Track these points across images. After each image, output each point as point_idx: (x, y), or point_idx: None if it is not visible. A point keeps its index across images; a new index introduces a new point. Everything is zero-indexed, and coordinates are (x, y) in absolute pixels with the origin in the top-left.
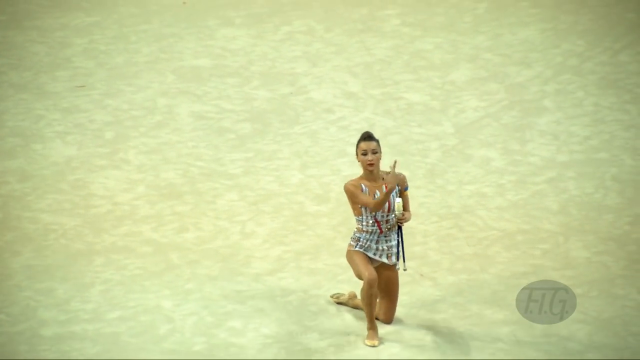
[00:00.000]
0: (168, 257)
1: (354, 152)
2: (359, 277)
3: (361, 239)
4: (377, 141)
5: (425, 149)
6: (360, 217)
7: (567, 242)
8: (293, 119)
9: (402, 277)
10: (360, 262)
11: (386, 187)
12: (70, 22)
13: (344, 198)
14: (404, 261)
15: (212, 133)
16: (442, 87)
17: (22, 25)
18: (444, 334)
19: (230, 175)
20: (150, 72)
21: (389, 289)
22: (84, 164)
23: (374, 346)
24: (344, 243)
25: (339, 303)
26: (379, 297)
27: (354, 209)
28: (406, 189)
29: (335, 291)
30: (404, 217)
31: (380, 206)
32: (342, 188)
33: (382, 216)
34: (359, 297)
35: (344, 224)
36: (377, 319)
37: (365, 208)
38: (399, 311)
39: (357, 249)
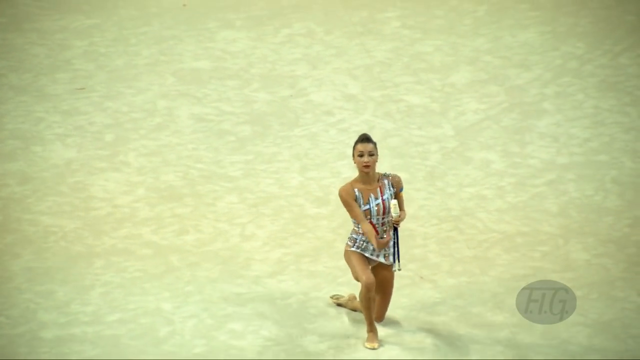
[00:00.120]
0: (168, 260)
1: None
2: (357, 279)
3: (358, 240)
4: (374, 143)
5: (425, 152)
6: (356, 219)
7: (567, 244)
8: (293, 121)
9: (402, 280)
10: (358, 265)
11: (376, 239)
12: (70, 24)
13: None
14: (398, 261)
15: (212, 135)
16: (442, 90)
17: (22, 27)
18: (443, 337)
19: (230, 177)
20: (150, 74)
21: (384, 287)
22: (84, 167)
23: (373, 349)
24: (343, 245)
25: (338, 304)
26: None
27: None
28: (401, 190)
29: (334, 293)
30: (399, 219)
31: (368, 235)
32: None
33: (378, 219)
34: (357, 299)
35: (343, 226)
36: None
37: (362, 212)
38: (399, 313)
39: (354, 249)
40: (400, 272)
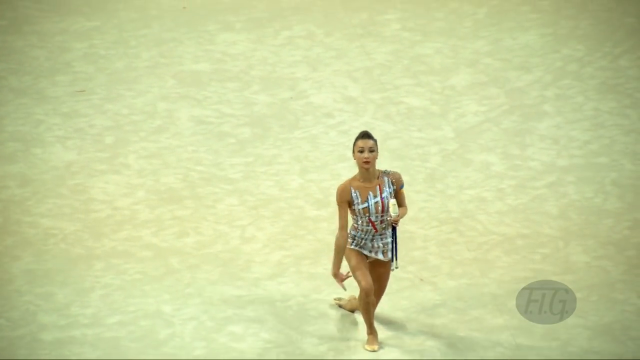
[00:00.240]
0: (168, 262)
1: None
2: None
3: (357, 237)
4: (375, 140)
5: (425, 154)
6: (355, 217)
7: (567, 246)
8: (293, 123)
9: (402, 282)
10: (357, 268)
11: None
12: (70, 26)
13: None
14: (396, 259)
15: (212, 137)
16: (442, 92)
17: (22, 30)
18: (443, 339)
19: (230, 179)
20: (150, 76)
21: (380, 282)
22: (84, 169)
23: (373, 351)
24: None
25: (339, 305)
26: None
27: (350, 209)
28: (402, 187)
29: (335, 295)
30: (397, 218)
31: (335, 253)
32: None
33: (377, 217)
34: (357, 299)
35: None
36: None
37: (359, 210)
38: (399, 316)
39: (352, 247)
40: (400, 274)
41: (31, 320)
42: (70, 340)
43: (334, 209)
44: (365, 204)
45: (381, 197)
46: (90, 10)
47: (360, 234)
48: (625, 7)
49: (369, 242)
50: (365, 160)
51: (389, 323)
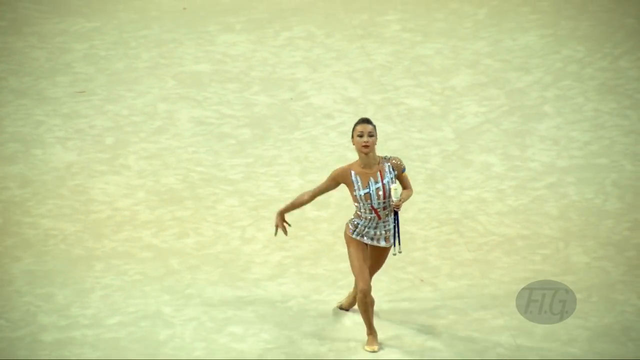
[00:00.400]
0: (168, 263)
1: (354, 157)
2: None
3: (359, 225)
4: (374, 126)
5: (426, 155)
6: (357, 204)
7: (567, 247)
8: (293, 124)
9: (403, 283)
10: (356, 266)
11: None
12: (70, 27)
13: (345, 203)
14: (399, 244)
15: (212, 138)
16: (442, 93)
17: (22, 31)
18: (444, 340)
19: (230, 180)
20: (150, 77)
21: (377, 262)
22: (84, 170)
23: (373, 351)
24: (344, 249)
25: (341, 308)
26: None
27: (351, 196)
28: (403, 170)
29: (334, 296)
30: (399, 203)
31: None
32: (342, 193)
33: (379, 203)
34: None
35: (343, 230)
36: None
37: (361, 197)
38: (399, 316)
39: (354, 236)
40: (400, 274)
41: (31, 321)
42: (70, 341)
43: (334, 210)
44: (367, 190)
45: (382, 182)
46: (90, 11)
47: (364, 222)
48: (625, 8)
49: (372, 230)
50: (364, 144)
51: (389, 323)
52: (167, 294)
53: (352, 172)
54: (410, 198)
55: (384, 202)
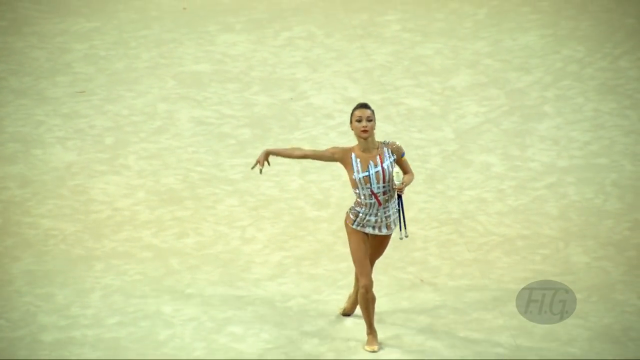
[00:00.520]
0: (168, 263)
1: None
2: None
3: (360, 214)
4: (373, 110)
5: (426, 155)
6: (356, 189)
7: (567, 247)
8: (293, 124)
9: (403, 283)
10: (357, 261)
11: None
12: (70, 27)
13: (345, 203)
14: (405, 228)
15: (212, 138)
16: (442, 93)
17: (22, 31)
18: (444, 339)
19: (230, 180)
20: (150, 77)
21: (377, 250)
22: (84, 170)
23: (373, 351)
24: (344, 249)
25: (345, 315)
26: None
27: (350, 180)
28: (403, 155)
29: (334, 296)
30: (402, 186)
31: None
32: (342, 193)
33: (379, 187)
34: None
35: (344, 230)
36: None
37: (360, 180)
38: (399, 316)
39: (354, 226)
40: (400, 274)
41: (31, 321)
42: (70, 341)
43: (334, 209)
44: (366, 173)
45: (382, 166)
46: (90, 12)
47: (364, 210)
48: (625, 8)
49: (373, 217)
50: (363, 129)
51: (389, 323)
52: (167, 294)
53: (353, 154)
54: (411, 198)
55: (383, 187)
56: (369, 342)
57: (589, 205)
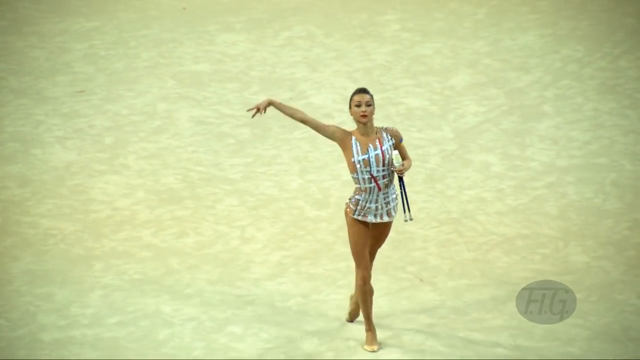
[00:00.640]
0: (168, 262)
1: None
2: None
3: (360, 201)
4: (372, 95)
5: (425, 154)
6: (355, 174)
7: (566, 247)
8: (293, 124)
9: (402, 282)
10: (356, 252)
11: None
12: (69, 27)
13: (345, 202)
14: (409, 211)
15: (211, 138)
16: (442, 92)
17: (21, 30)
18: (443, 339)
19: (229, 180)
20: (150, 77)
21: (379, 239)
22: (84, 169)
23: (373, 351)
24: (343, 248)
25: (350, 321)
26: None
27: (348, 164)
28: (401, 140)
29: (334, 296)
30: (403, 168)
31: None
32: (342, 193)
33: (378, 170)
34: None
35: (343, 229)
36: None
37: (360, 162)
38: (399, 316)
39: (355, 216)
40: (400, 274)
41: (31, 321)
42: (69, 340)
43: (333, 209)
44: (366, 155)
45: (381, 149)
46: (90, 11)
47: (365, 196)
48: (624, 7)
49: (374, 204)
50: (362, 114)
51: (389, 323)
52: (167, 293)
53: (353, 137)
54: (410, 198)
55: (383, 170)
56: (368, 342)
57: (589, 205)
